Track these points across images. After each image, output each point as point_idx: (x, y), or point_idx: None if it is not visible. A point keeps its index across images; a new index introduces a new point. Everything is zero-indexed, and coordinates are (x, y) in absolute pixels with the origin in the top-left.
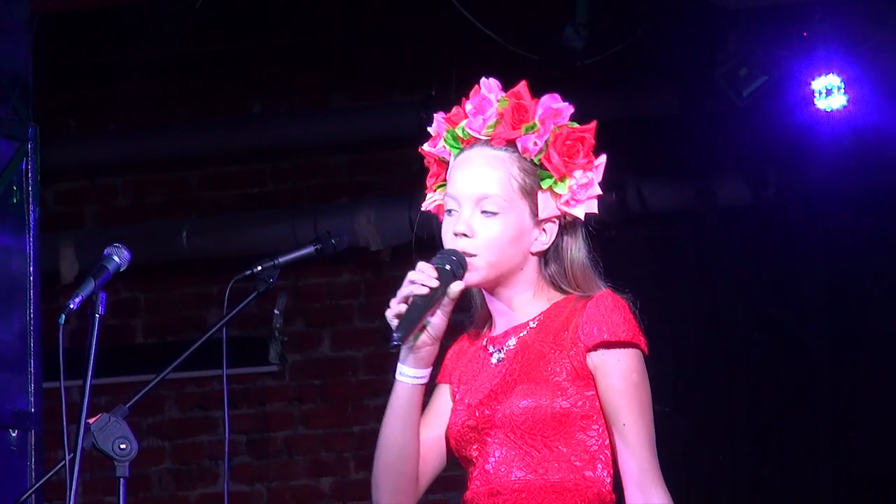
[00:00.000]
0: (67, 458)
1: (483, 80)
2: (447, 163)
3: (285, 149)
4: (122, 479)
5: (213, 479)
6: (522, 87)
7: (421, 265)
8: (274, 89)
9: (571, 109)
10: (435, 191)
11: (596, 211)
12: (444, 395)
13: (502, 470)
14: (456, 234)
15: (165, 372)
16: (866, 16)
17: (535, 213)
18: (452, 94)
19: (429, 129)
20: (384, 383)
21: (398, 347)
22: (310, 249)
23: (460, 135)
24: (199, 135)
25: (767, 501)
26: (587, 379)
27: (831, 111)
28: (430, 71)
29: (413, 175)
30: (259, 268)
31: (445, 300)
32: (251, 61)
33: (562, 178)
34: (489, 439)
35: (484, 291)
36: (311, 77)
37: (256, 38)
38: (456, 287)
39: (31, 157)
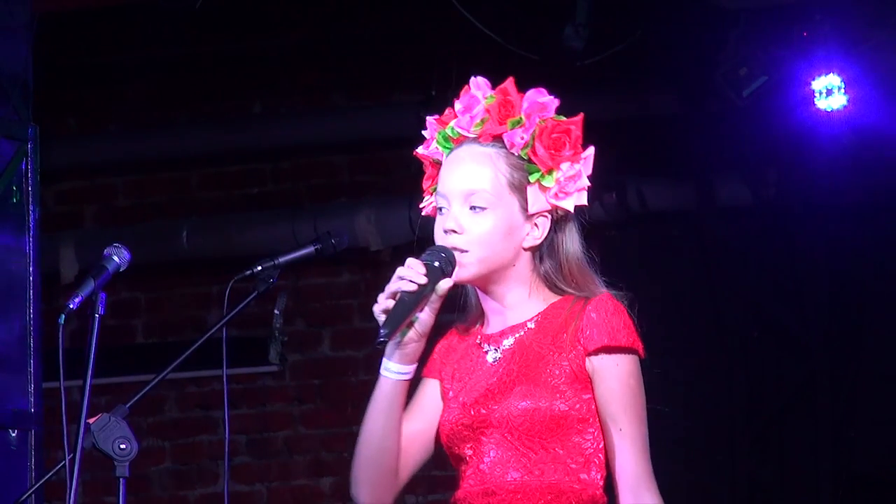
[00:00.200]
0: (67, 458)
1: (473, 78)
2: (441, 164)
3: (285, 149)
4: (122, 479)
5: (213, 479)
6: (509, 82)
7: (410, 261)
8: (274, 89)
9: (557, 103)
10: (431, 193)
11: (586, 203)
12: (430, 389)
13: (498, 470)
14: (446, 231)
15: (165, 372)
16: (866, 16)
17: (525, 208)
18: (452, 93)
19: (423, 132)
20: None
21: (384, 343)
22: (310, 249)
23: (450, 134)
24: (199, 135)
25: (767, 501)
26: (585, 382)
27: (831, 111)
28: (430, 71)
29: (413, 175)
30: (259, 268)
31: (433, 297)
32: (251, 61)
33: (549, 171)
34: (485, 438)
35: (478, 290)
36: (311, 77)
37: (256, 38)
38: (444, 284)
39: (31, 157)
